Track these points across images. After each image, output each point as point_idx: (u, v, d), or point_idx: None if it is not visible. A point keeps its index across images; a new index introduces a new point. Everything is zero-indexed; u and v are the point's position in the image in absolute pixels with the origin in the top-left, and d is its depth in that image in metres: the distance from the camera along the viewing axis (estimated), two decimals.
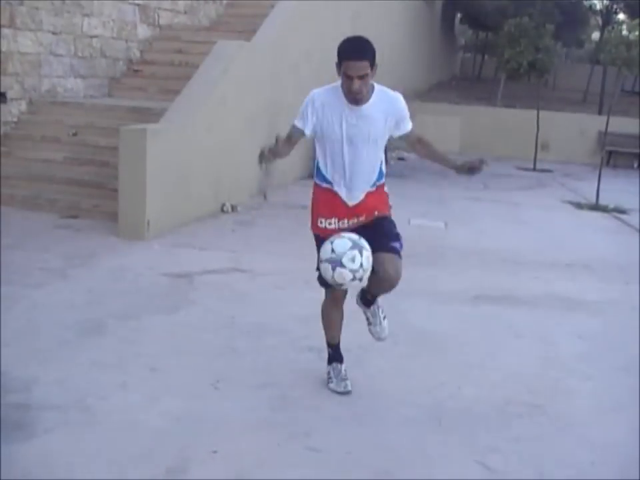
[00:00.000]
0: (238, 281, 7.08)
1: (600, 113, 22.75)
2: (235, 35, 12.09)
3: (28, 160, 10.04)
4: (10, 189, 9.50)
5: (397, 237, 4.39)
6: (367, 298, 4.67)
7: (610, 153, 19.61)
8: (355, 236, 4.13)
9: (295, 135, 4.54)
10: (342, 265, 4.02)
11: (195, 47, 12.53)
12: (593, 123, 20.14)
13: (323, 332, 4.78)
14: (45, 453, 3.83)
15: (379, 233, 4.35)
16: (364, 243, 4.11)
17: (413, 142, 4.52)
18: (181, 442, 4.02)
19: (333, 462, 3.93)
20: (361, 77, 4.05)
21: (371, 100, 4.22)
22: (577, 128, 20.39)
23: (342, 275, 4.04)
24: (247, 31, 11.93)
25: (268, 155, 4.63)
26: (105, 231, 8.47)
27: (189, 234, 8.73)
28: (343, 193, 4.38)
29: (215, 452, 3.93)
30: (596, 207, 12.76)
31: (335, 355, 4.79)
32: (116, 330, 5.59)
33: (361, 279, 4.11)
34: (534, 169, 17.92)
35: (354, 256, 4.04)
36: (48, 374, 4.74)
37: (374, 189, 4.40)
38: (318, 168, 4.47)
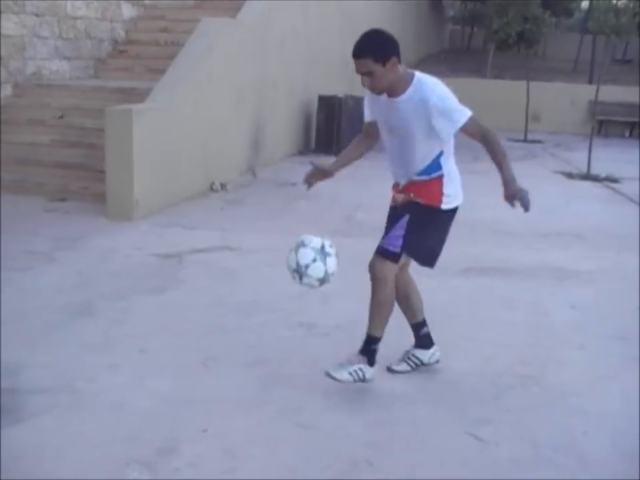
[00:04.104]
0: (227, 259, 7.05)
1: (590, 82, 22.66)
2: (220, 12, 12.00)
3: (14, 144, 9.97)
4: None
5: (397, 236, 4.23)
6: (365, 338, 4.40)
7: (601, 122, 19.59)
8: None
9: (365, 125, 4.48)
10: (304, 245, 4.07)
11: (180, 25, 12.47)
12: (583, 93, 20.08)
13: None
14: (34, 436, 3.81)
15: (390, 226, 4.32)
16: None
17: (477, 139, 4.24)
18: (171, 422, 3.99)
19: (324, 438, 3.91)
20: (367, 74, 3.94)
21: (406, 93, 4.03)
22: (567, 98, 20.33)
23: (306, 254, 4.04)
24: (232, 8, 11.82)
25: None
26: (93, 213, 8.43)
27: (178, 213, 8.69)
28: (392, 174, 4.38)
29: (205, 431, 3.91)
30: (587, 177, 12.73)
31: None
32: (105, 311, 5.56)
33: (325, 263, 4.07)
34: (525, 140, 17.86)
35: (317, 239, 4.10)
36: (36, 357, 4.72)
37: (423, 178, 4.24)
38: None
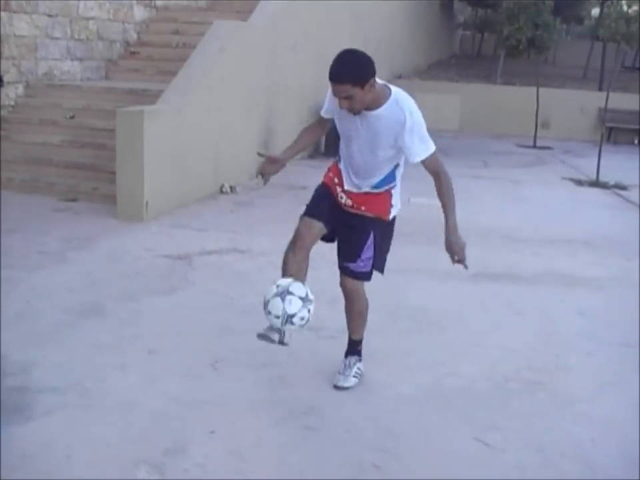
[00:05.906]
0: (237, 261, 7.07)
1: (600, 89, 22.60)
2: (232, 15, 12.03)
3: (26, 143, 10.02)
4: (8, 172, 9.50)
5: (367, 258, 4.30)
6: (349, 342, 4.64)
7: (610, 129, 19.52)
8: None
9: (320, 117, 4.50)
10: (290, 293, 3.89)
11: (192, 27, 12.49)
12: (593, 100, 20.02)
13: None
14: (43, 435, 3.83)
15: (348, 243, 4.36)
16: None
17: (431, 174, 4.10)
18: (180, 423, 4.01)
19: (332, 441, 3.93)
20: (346, 97, 3.86)
21: (381, 108, 3.96)
22: (577, 105, 20.27)
23: (293, 303, 3.86)
24: (244, 11, 11.84)
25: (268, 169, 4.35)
26: (103, 214, 8.45)
27: (188, 215, 8.71)
28: (344, 177, 4.33)
29: (213, 432, 3.92)
30: (596, 184, 12.71)
31: None
32: (114, 312, 5.59)
33: (309, 310, 3.92)
34: (534, 146, 17.84)
35: (300, 285, 3.98)
36: (46, 357, 4.74)
37: (374, 191, 4.25)
38: None
